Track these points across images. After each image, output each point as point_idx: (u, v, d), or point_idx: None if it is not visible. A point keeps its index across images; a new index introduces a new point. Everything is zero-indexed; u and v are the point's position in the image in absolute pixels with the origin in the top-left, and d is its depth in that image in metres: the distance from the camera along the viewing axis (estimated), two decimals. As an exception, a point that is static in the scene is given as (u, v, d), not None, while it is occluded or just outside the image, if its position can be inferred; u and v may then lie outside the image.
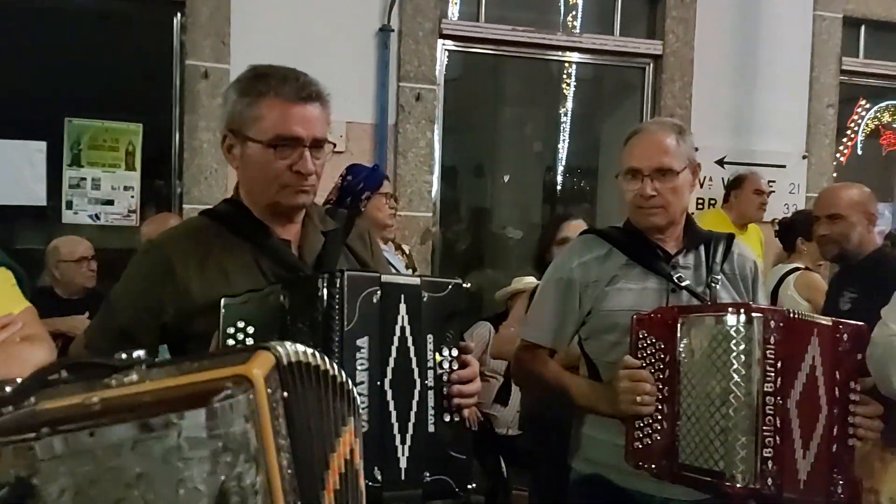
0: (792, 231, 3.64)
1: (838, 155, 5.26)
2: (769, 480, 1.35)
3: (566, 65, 4.64)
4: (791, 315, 1.42)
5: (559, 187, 5.43)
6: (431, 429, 1.23)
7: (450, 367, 1.26)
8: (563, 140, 5.08)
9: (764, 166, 4.40)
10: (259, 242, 1.29)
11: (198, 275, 1.24)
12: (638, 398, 1.44)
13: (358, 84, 3.72)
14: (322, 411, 0.73)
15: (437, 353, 1.24)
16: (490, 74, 5.27)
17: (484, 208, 5.77)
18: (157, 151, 3.75)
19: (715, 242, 1.69)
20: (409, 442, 1.19)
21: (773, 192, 4.25)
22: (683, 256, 1.66)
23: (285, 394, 0.60)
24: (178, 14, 3.60)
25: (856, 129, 5.04)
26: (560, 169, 5.30)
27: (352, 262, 1.38)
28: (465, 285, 1.28)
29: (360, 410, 0.99)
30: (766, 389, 1.35)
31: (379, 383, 1.18)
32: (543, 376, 1.70)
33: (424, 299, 1.24)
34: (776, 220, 4.06)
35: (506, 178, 5.77)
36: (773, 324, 1.37)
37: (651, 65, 4.38)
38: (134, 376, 0.57)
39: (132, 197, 3.68)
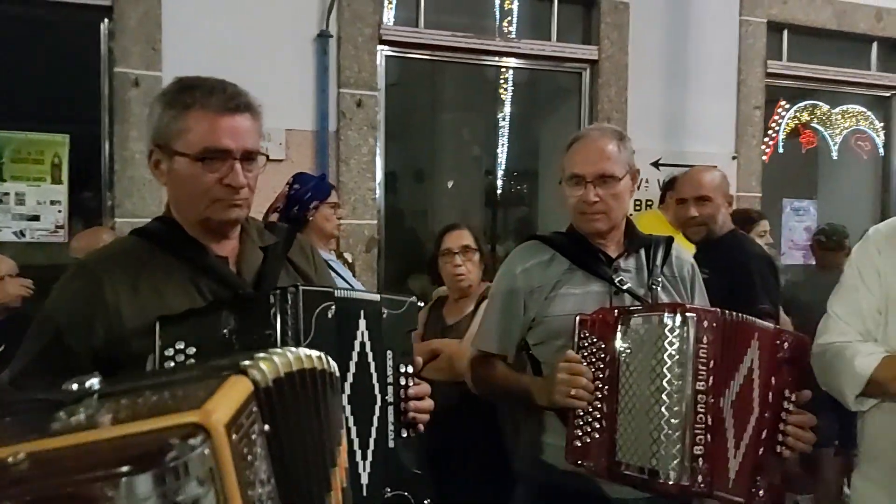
0: None
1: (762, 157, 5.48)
2: (699, 478, 1.36)
3: (503, 70, 4.68)
4: (728, 316, 1.42)
5: (499, 191, 5.47)
6: (391, 444, 1.22)
7: (406, 382, 1.25)
8: (503, 144, 5.12)
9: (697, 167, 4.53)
10: (195, 261, 1.23)
11: (129, 296, 1.18)
12: (573, 391, 1.45)
13: (297, 91, 3.65)
14: (322, 422, 0.69)
15: (397, 370, 1.23)
16: (429, 80, 5.27)
17: (425, 213, 5.77)
18: (85, 163, 3.58)
19: (655, 246, 1.72)
20: (370, 457, 1.18)
21: (706, 192, 4.38)
22: (625, 260, 1.69)
23: (267, 427, 0.54)
24: (106, 19, 3.44)
25: (777, 128, 5.26)
26: (500, 173, 5.33)
27: (293, 277, 1.33)
28: (419, 304, 1.28)
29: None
30: (698, 388, 1.36)
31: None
32: (495, 381, 1.72)
33: (384, 315, 1.23)
34: None
35: (450, 184, 5.78)
36: (706, 324, 1.38)
37: (588, 70, 4.46)
38: (82, 415, 0.49)
39: (59, 212, 3.50)
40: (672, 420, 1.36)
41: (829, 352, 1.56)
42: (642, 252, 1.72)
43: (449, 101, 5.65)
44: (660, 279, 1.67)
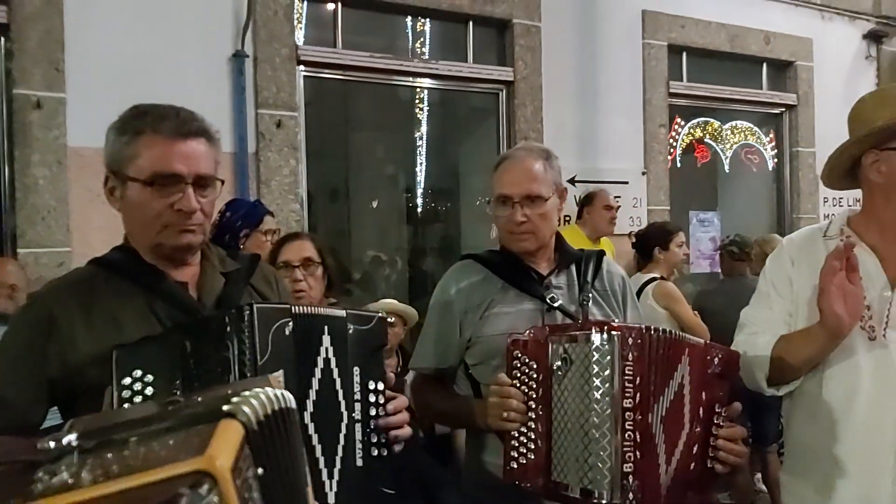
0: (648, 241, 3.92)
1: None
2: (630, 495, 1.36)
3: (419, 90, 4.72)
4: (655, 333, 1.42)
5: (419, 210, 5.50)
6: (360, 463, 1.19)
7: (377, 400, 1.23)
8: (421, 163, 5.16)
9: (610, 183, 4.72)
10: (152, 287, 1.21)
11: (84, 325, 1.15)
12: (504, 414, 1.46)
13: (213, 112, 3.44)
14: (297, 460, 0.68)
15: (365, 386, 1.22)
16: (346, 100, 5.25)
17: (344, 233, 5.72)
18: (-19, 190, 3.33)
19: (586, 261, 1.75)
20: (336, 476, 1.15)
21: (620, 206, 4.56)
22: (556, 277, 1.71)
23: (260, 470, 0.53)
24: (2, 38, 3.24)
25: (674, 144, 5.56)
26: (419, 191, 5.36)
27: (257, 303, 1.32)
28: (389, 319, 1.26)
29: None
30: (625, 405, 1.36)
31: (299, 418, 1.13)
32: (437, 403, 1.72)
33: (350, 332, 1.21)
34: (632, 233, 4.35)
35: (374, 204, 5.76)
36: (631, 341, 1.38)
37: (504, 90, 4.57)
38: (65, 474, 0.46)
39: (-46, 243, 3.24)
40: (601, 439, 1.36)
41: (739, 349, 1.63)
42: (573, 268, 1.74)
43: (366, 120, 5.64)
44: (591, 294, 1.69)
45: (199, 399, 0.67)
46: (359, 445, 1.20)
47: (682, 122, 5.62)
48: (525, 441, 1.46)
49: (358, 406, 1.21)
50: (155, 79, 3.29)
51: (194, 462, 0.46)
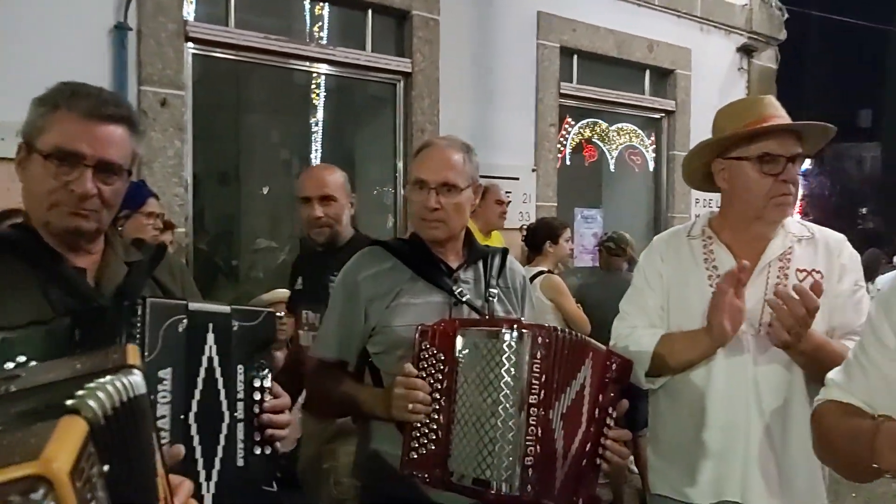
0: (538, 235, 4.06)
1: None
2: (529, 487, 1.42)
3: (315, 76, 4.65)
4: (563, 334, 1.49)
5: (314, 198, 5.40)
6: (241, 463, 1.17)
7: (261, 397, 1.21)
8: (316, 150, 5.07)
9: (502, 179, 4.82)
10: (48, 270, 1.15)
11: None
12: (410, 405, 1.47)
13: None
14: (145, 452, 0.66)
15: (250, 384, 1.19)
16: (238, 81, 5.07)
17: (235, 220, 5.53)
18: None
19: (492, 257, 1.79)
20: (215, 478, 1.13)
21: (510, 201, 4.70)
22: (464, 271, 1.74)
23: (106, 467, 0.51)
24: None
25: (564, 143, 5.79)
26: (314, 180, 5.26)
27: (158, 296, 1.27)
28: (278, 314, 1.24)
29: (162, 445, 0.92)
30: (530, 401, 1.42)
31: (183, 417, 1.10)
32: (334, 391, 1.69)
33: (235, 328, 1.19)
34: (523, 227, 4.48)
35: (265, 190, 5.60)
36: (541, 340, 1.44)
37: (401, 81, 4.58)
38: None
39: None
40: (505, 431, 1.41)
41: (621, 341, 1.77)
42: (480, 263, 1.77)
43: (260, 104, 5.48)
44: (495, 291, 1.73)
45: (43, 384, 0.63)
46: (240, 445, 1.17)
47: (573, 122, 5.86)
48: (426, 432, 1.48)
49: (241, 405, 1.18)
50: (29, 49, 3.05)
51: (27, 466, 0.43)
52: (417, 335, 1.53)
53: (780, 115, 1.69)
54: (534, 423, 1.43)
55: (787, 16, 6.83)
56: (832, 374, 1.27)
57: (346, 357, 1.72)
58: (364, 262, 1.74)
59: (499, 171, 4.92)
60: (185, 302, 1.14)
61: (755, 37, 6.61)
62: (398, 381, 1.50)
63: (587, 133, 6.05)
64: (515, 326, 1.46)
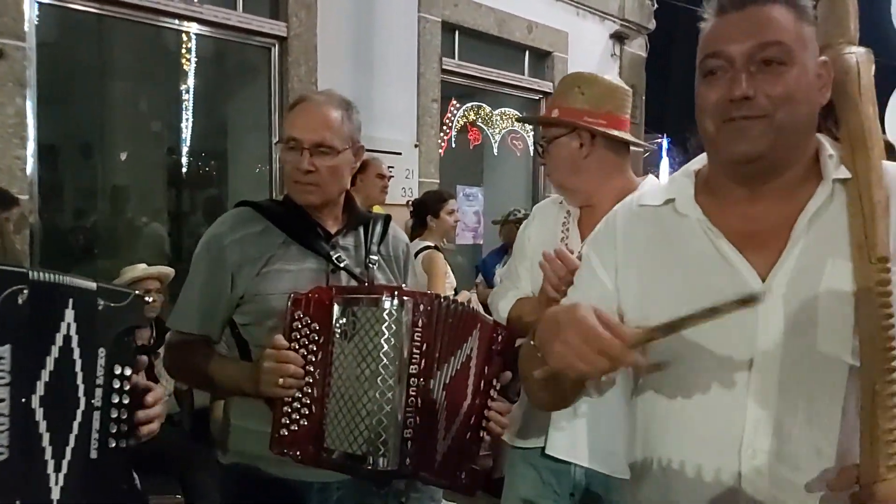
0: (423, 209, 4.02)
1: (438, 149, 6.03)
2: (407, 460, 1.38)
3: (185, 37, 4.34)
4: (445, 302, 1.45)
5: (184, 170, 5.10)
6: (94, 455, 1.05)
7: (122, 386, 1.10)
8: (187, 119, 4.78)
9: (384, 153, 4.73)
10: None
11: None
12: (280, 380, 1.38)
13: None
14: None
15: (110, 370, 1.08)
16: (97, 39, 4.65)
17: (95, 192, 5.11)
18: None
19: (373, 223, 1.69)
20: (64, 469, 1.01)
21: (393, 176, 4.63)
22: (343, 237, 1.63)
23: None
24: None
25: (450, 125, 5.81)
26: (185, 150, 4.96)
27: None
28: (147, 299, 1.11)
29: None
30: (410, 371, 1.38)
31: (25, 400, 0.97)
32: (196, 366, 1.56)
33: (100, 307, 1.06)
34: (409, 201, 4.44)
35: (122, 156, 5.20)
36: (422, 308, 1.39)
37: (276, 46, 4.37)
38: None
39: None
40: (383, 403, 1.36)
41: (493, 310, 1.80)
42: (361, 229, 1.68)
43: (124, 65, 5.06)
44: (376, 258, 1.65)
45: None
46: (95, 435, 1.06)
47: (458, 105, 5.87)
48: (298, 407, 1.39)
49: (99, 392, 1.06)
50: None
51: None
52: (290, 304, 1.41)
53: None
54: (413, 394, 1.38)
55: (656, 6, 7.16)
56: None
57: (208, 331, 1.57)
58: (231, 223, 1.58)
59: (380, 145, 4.83)
60: (26, 270, 0.99)
61: (627, 24, 6.89)
62: (268, 353, 1.39)
63: (472, 116, 6.09)
64: (396, 294, 1.39)
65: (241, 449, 1.58)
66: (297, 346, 1.41)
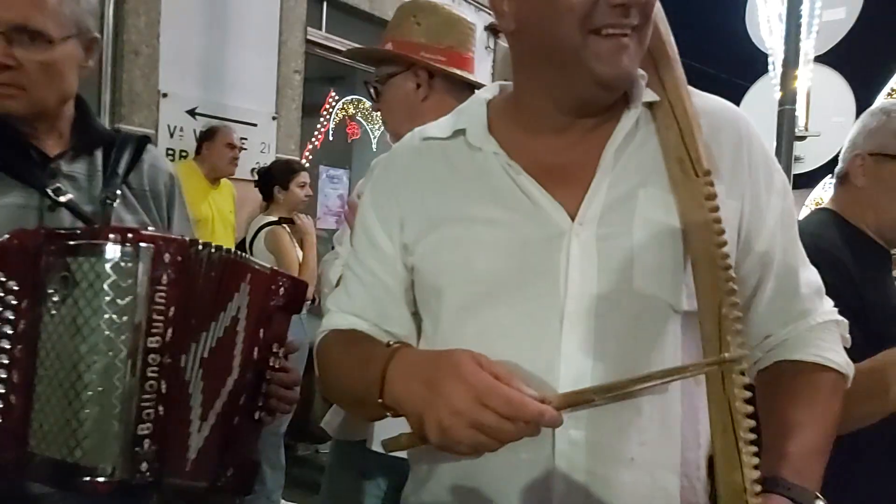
0: (269, 180, 3.70)
1: (314, 140, 5.72)
2: (144, 465, 1.01)
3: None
4: (206, 250, 1.07)
5: None
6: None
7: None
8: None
9: (237, 122, 4.41)
10: None
11: None
12: None
13: None
14: None
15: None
16: None
17: None
18: None
19: (120, 146, 1.26)
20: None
21: (246, 149, 4.28)
22: (69, 162, 1.21)
23: None
24: None
25: (328, 116, 5.51)
26: None
27: None
28: None
29: None
30: (149, 345, 1.00)
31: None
32: None
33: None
34: (254, 170, 4.10)
35: None
36: (168, 258, 1.02)
37: (113, -9, 3.89)
38: None
39: None
40: (106, 391, 0.98)
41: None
42: (99, 154, 1.25)
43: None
44: (119, 192, 1.22)
45: None
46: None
47: (337, 97, 5.59)
48: None
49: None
50: None
51: None
52: None
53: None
54: (154, 375, 1.01)
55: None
56: (329, 300, 1.07)
57: None
58: None
59: (234, 114, 4.48)
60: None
61: (502, 17, 6.87)
62: None
63: (351, 110, 5.84)
64: (129, 237, 1.00)
65: None
66: None
